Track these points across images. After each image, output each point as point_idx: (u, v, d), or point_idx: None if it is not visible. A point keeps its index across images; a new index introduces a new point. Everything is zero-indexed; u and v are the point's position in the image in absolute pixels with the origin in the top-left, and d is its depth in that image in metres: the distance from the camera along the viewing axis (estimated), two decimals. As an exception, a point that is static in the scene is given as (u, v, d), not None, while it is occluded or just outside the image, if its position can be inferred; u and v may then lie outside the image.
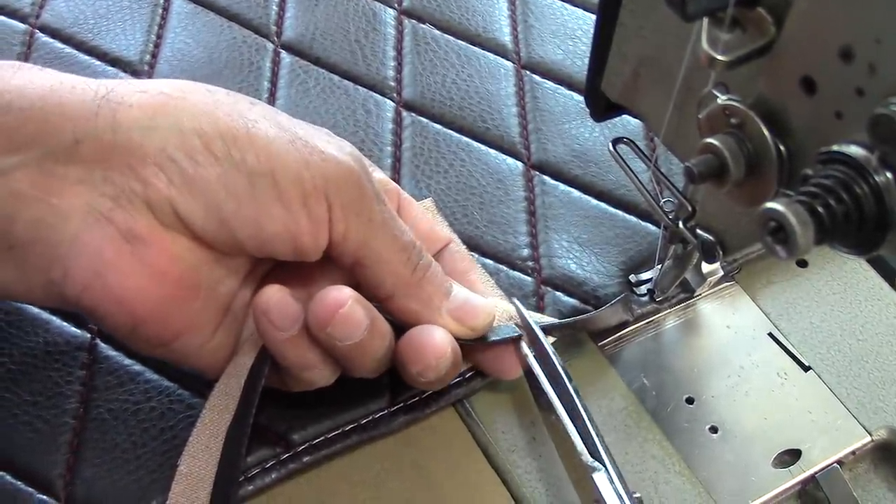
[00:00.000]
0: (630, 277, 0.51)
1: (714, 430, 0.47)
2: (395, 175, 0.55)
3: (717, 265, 0.49)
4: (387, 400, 0.46)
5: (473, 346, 0.44)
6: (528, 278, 0.52)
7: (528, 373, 0.44)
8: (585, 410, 0.42)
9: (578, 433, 0.41)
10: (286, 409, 0.44)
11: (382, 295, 0.42)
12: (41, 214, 0.36)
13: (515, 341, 0.45)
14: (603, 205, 0.55)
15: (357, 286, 0.41)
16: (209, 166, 0.37)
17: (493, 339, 0.45)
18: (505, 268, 0.52)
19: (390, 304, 0.42)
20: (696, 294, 0.52)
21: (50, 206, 0.36)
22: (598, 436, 0.41)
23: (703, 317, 0.52)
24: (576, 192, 0.56)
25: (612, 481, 0.40)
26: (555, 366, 0.43)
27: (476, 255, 0.51)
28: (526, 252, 0.53)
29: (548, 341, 0.45)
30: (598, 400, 0.47)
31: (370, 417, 0.45)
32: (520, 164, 0.57)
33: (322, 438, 0.44)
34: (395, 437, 0.45)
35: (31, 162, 0.36)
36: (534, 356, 0.44)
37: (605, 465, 0.40)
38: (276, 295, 0.39)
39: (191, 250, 0.39)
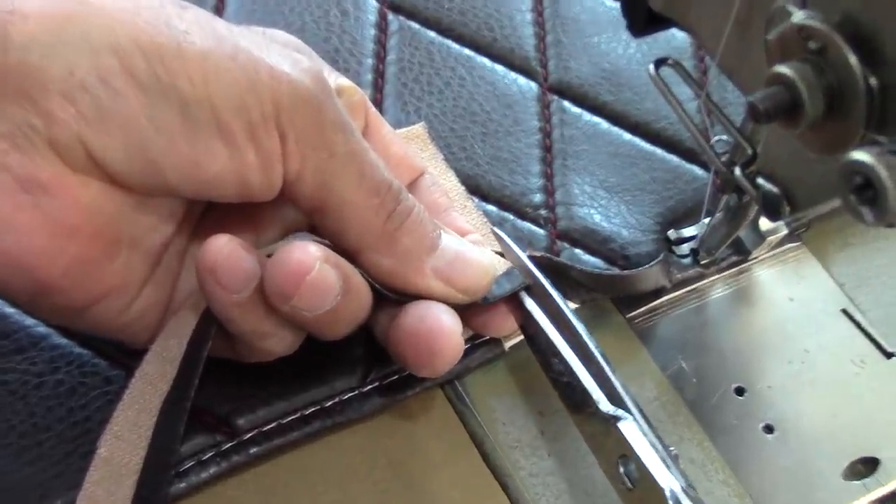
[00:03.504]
0: (669, 234, 0.49)
1: (769, 429, 0.45)
2: (377, 95, 0.51)
3: (780, 222, 0.48)
4: (358, 377, 0.43)
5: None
6: (541, 230, 0.49)
7: (528, 324, 0.41)
8: (601, 353, 0.39)
9: (593, 379, 0.38)
10: (230, 385, 0.41)
11: (348, 248, 0.39)
12: None
13: (516, 295, 0.42)
14: (638, 140, 0.52)
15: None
16: (130, 94, 0.34)
17: (490, 298, 0.41)
18: (511, 216, 0.49)
19: (358, 259, 0.39)
20: (751, 257, 0.49)
21: None
22: (618, 380, 0.38)
23: (759, 286, 0.49)
24: (604, 124, 0.53)
25: (642, 431, 0.37)
26: (560, 309, 0.40)
27: (476, 199, 0.48)
28: (538, 197, 0.50)
29: (548, 281, 0.41)
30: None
31: (336, 399, 0.42)
32: (534, 85, 0.54)
33: (274, 424, 0.41)
34: (367, 426, 0.43)
35: None
36: (535, 304, 0.41)
37: (631, 413, 0.37)
38: (225, 248, 0.36)
39: (108, 197, 0.36)
